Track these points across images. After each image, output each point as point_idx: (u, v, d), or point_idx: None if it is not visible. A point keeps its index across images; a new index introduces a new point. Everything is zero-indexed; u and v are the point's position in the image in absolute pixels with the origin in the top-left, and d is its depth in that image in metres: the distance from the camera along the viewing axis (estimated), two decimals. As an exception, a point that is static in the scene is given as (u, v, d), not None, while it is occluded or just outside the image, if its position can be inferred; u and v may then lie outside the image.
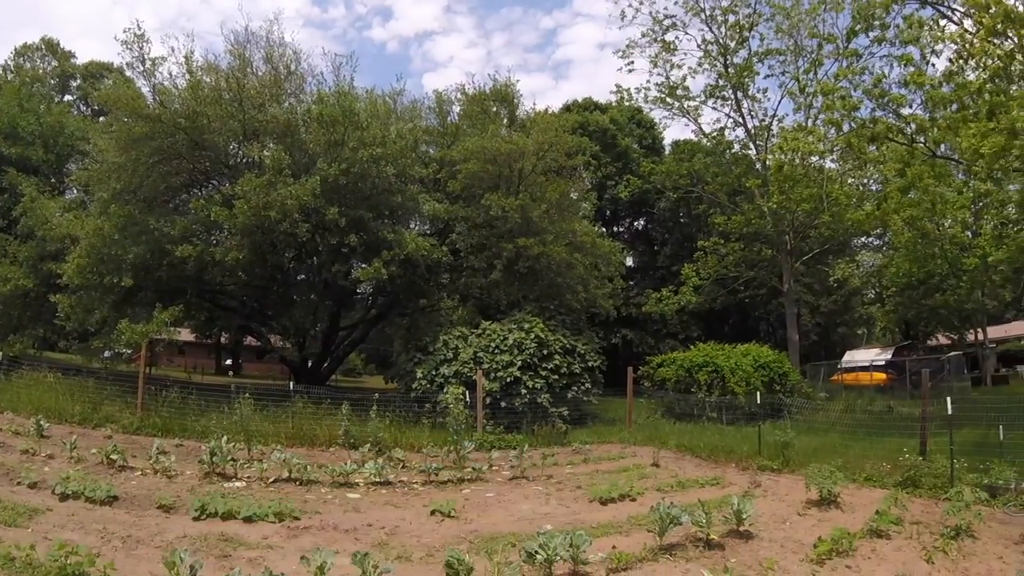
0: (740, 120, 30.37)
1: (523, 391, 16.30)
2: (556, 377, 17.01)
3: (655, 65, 30.52)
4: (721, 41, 29.39)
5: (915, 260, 26.27)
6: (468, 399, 14.22)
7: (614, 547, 6.10)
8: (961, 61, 14.43)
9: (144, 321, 16.29)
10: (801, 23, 27.08)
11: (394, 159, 17.98)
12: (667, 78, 30.54)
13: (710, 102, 30.78)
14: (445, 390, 13.94)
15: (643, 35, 30.95)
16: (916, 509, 8.02)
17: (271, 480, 8.85)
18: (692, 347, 22.01)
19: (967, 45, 14.09)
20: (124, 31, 20.83)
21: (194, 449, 10.34)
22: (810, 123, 25.80)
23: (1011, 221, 22.43)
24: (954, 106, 14.17)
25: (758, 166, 29.79)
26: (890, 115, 15.83)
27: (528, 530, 6.61)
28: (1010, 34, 12.97)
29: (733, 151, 31.49)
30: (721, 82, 29.98)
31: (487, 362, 16.48)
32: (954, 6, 15.56)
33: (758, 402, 14.50)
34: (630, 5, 30.64)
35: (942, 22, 16.13)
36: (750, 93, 29.83)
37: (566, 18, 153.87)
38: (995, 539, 6.90)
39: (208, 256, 16.93)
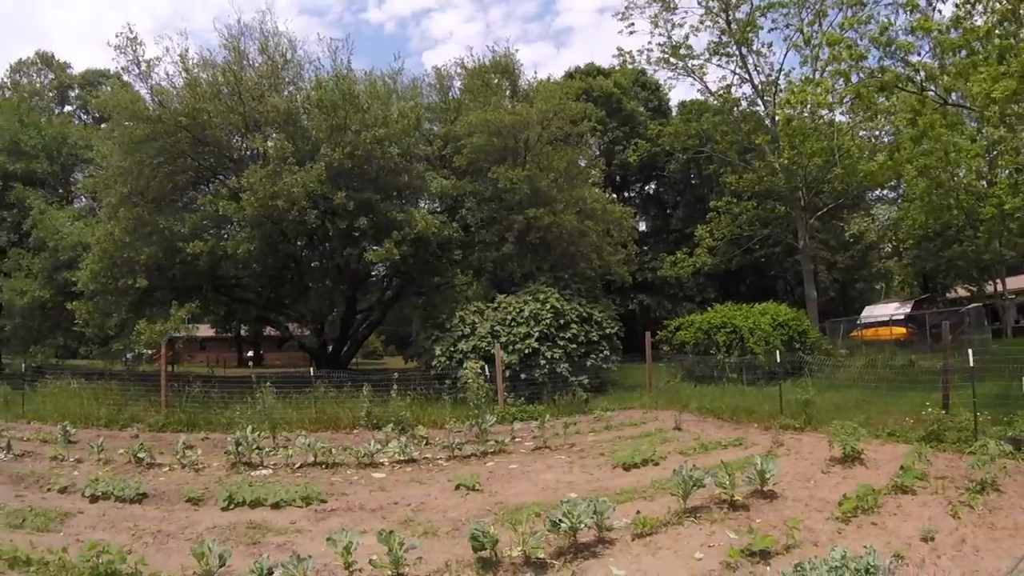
0: (746, 76, 29.69)
1: (542, 362, 16.33)
2: (574, 346, 17.01)
3: (656, 25, 29.81)
4: (722, -4, 28.64)
5: (931, 211, 25.65)
6: (487, 373, 14.30)
7: (638, 512, 6.11)
8: (968, 5, 13.97)
9: (162, 320, 16.46)
10: (803, -28, 26.32)
11: (398, 139, 17.87)
12: (669, 38, 29.83)
13: (714, 60, 30.13)
14: (464, 365, 13.97)
15: (642, -5, 30.27)
16: (940, 463, 7.94)
17: (297, 465, 8.96)
18: (709, 309, 21.86)
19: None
20: (117, 35, 20.72)
21: (220, 441, 10.45)
22: (817, 75, 25.12)
23: (1027, 167, 21.81)
24: (963, 52, 13.73)
25: (767, 122, 29.16)
26: (898, 64, 15.40)
27: (552, 499, 6.63)
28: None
29: (741, 108, 30.82)
30: (724, 38, 29.29)
31: (504, 335, 16.51)
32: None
33: (778, 361, 14.36)
34: (627, -35, 29.93)
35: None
36: (755, 48, 29.12)
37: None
38: (1021, 492, 6.80)
39: (220, 250, 17.05)
